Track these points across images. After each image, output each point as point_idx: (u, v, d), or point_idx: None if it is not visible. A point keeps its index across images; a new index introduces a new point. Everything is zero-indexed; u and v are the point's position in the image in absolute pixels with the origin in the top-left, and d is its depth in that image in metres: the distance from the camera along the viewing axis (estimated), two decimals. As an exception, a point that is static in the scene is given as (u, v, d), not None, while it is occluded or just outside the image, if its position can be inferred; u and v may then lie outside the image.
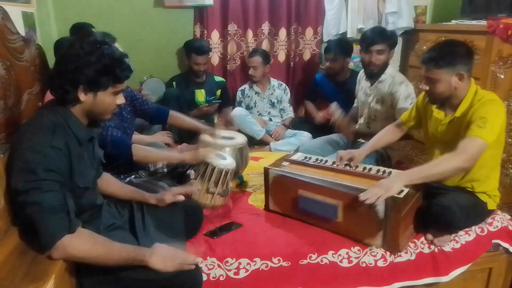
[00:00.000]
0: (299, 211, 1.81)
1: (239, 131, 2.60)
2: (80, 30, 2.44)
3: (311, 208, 1.76)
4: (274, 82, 3.40)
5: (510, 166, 2.43)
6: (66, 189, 1.22)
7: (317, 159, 1.97)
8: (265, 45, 3.41)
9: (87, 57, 1.22)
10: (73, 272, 1.29)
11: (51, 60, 2.07)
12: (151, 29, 3.23)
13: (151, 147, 2.05)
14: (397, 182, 1.57)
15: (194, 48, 3.09)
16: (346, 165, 1.89)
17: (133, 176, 1.99)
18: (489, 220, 1.85)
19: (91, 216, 1.42)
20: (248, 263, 1.60)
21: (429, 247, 1.72)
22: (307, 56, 3.54)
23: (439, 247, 1.71)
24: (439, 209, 1.65)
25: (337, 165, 1.89)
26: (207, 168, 1.73)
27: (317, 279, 1.62)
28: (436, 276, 1.69)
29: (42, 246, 1.17)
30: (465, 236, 1.77)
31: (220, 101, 3.22)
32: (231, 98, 3.46)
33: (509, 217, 1.92)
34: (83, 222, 1.28)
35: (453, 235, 1.75)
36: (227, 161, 1.81)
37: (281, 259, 1.62)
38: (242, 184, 2.26)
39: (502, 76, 2.40)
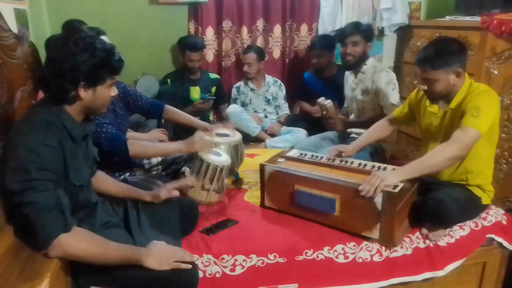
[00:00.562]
0: (296, 206, 1.82)
1: (235, 128, 2.60)
2: (72, 27, 2.41)
3: (308, 203, 1.76)
4: (269, 78, 3.40)
5: (504, 161, 2.45)
6: (61, 188, 1.22)
7: (312, 156, 1.98)
8: (260, 42, 3.40)
9: (82, 54, 1.22)
10: (69, 270, 1.28)
11: (44, 57, 2.05)
12: (145, 25, 3.20)
13: (147, 143, 2.05)
14: (394, 175, 1.60)
15: (187, 45, 3.08)
16: (341, 161, 1.90)
17: (128, 174, 1.99)
18: (483, 214, 1.86)
19: (86, 214, 1.41)
20: (244, 260, 1.60)
21: (424, 242, 1.73)
22: (302, 52, 3.53)
23: (434, 242, 1.72)
24: (434, 203, 1.66)
25: (332, 160, 1.90)
26: (202, 164, 1.73)
27: (313, 275, 1.62)
28: (431, 271, 1.70)
29: (38, 245, 1.17)
30: (459, 231, 1.78)
31: (215, 97, 3.21)
32: (226, 95, 3.45)
33: (503, 211, 1.93)
34: (79, 221, 1.27)
35: (447, 229, 1.76)
36: (222, 158, 1.81)
37: (277, 255, 1.62)
38: (237, 181, 2.26)
39: (496, 72, 2.42)
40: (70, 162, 1.27)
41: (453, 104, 1.73)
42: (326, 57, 3.15)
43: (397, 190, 1.55)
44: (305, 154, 2.00)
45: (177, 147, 1.85)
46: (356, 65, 2.50)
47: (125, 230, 1.49)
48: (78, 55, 1.21)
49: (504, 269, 1.92)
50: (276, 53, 3.50)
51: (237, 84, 3.41)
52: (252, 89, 3.36)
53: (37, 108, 1.30)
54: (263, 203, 1.96)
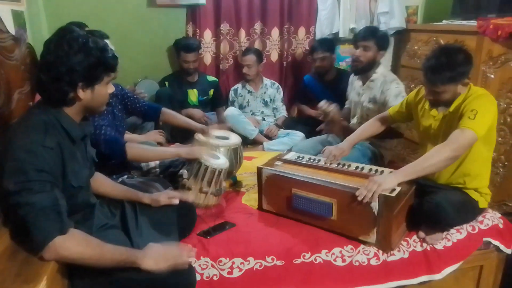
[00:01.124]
0: (293, 210, 1.81)
1: (232, 130, 2.60)
2: (62, 28, 2.41)
3: (305, 207, 1.76)
4: (266, 81, 3.40)
5: (500, 164, 2.46)
6: (58, 190, 1.21)
7: (310, 158, 1.98)
8: (257, 45, 3.41)
9: (77, 55, 1.21)
10: (65, 273, 1.27)
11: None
12: (144, 28, 3.21)
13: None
14: (391, 178, 1.60)
15: (182, 46, 3.09)
16: (338, 164, 1.90)
17: (126, 176, 1.98)
18: (480, 218, 1.87)
19: (84, 216, 1.41)
20: (241, 263, 1.60)
21: (421, 245, 1.73)
22: (299, 55, 3.55)
23: (431, 245, 1.73)
24: (431, 206, 1.66)
25: (329, 164, 1.90)
26: (200, 167, 1.73)
27: (311, 278, 1.62)
28: (429, 274, 1.70)
29: (34, 247, 1.16)
30: (456, 234, 1.79)
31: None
32: (224, 97, 3.45)
33: (500, 215, 1.94)
34: (76, 223, 1.26)
35: (444, 233, 1.77)
36: (220, 161, 1.81)
37: (274, 258, 1.62)
38: (235, 184, 2.25)
39: (492, 76, 2.43)
40: (69, 163, 1.26)
41: (452, 107, 1.74)
42: (329, 60, 3.19)
43: (394, 194, 1.55)
44: (303, 157, 2.00)
45: (176, 152, 1.84)
46: (363, 70, 2.46)
47: (123, 232, 1.49)
48: (73, 57, 1.21)
49: (501, 272, 1.93)
50: (274, 56, 3.51)
51: (235, 87, 3.41)
52: (249, 92, 3.36)
53: (35, 109, 1.30)
54: (261, 206, 1.96)
